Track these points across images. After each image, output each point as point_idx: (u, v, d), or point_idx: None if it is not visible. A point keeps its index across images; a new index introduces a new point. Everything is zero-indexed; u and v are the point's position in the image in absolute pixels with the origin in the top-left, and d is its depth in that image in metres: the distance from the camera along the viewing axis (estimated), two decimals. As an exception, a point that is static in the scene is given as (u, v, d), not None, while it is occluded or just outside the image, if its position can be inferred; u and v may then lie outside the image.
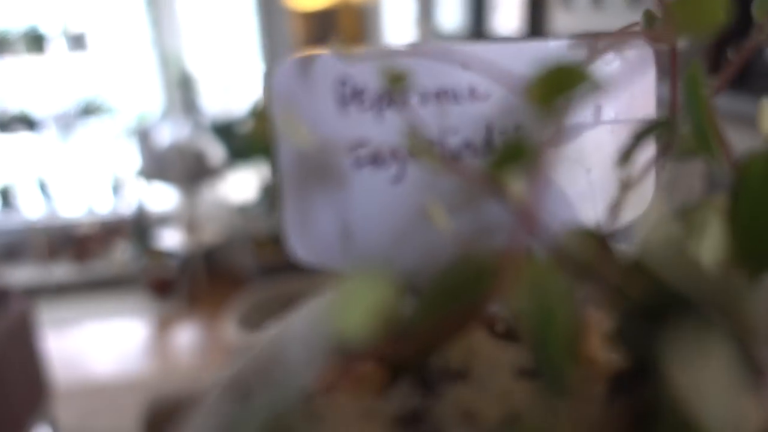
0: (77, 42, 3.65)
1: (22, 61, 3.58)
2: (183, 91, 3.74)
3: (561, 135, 0.19)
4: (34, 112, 3.65)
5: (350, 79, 0.24)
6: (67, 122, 3.72)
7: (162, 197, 3.87)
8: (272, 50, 3.88)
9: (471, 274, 0.23)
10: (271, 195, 3.06)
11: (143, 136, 3.59)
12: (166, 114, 3.80)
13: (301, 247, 0.24)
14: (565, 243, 0.21)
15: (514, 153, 0.18)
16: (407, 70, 0.22)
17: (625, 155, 0.23)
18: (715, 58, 0.76)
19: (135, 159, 3.81)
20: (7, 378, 2.07)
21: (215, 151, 3.53)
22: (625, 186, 0.24)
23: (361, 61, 0.23)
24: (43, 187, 3.79)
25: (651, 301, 0.17)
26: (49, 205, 3.77)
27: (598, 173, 0.25)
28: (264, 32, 3.88)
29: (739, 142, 0.75)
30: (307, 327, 0.25)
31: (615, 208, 0.23)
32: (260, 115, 3.88)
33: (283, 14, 3.87)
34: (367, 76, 0.24)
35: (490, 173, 0.19)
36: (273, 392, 0.24)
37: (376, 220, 0.25)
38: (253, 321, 2.25)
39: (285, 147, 0.23)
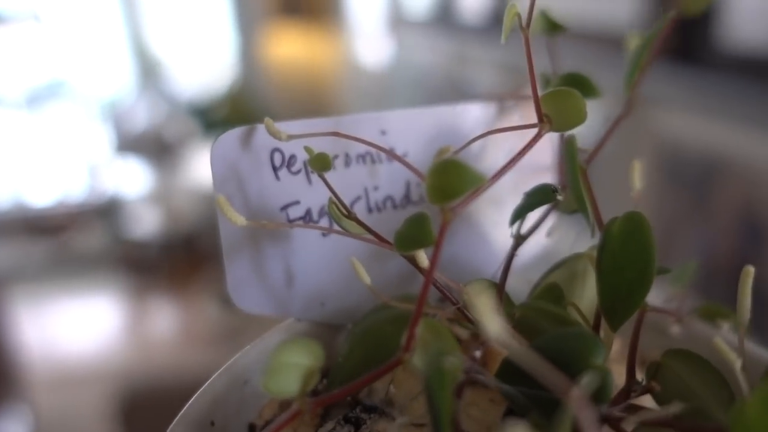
0: (40, 21, 3.57)
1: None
2: (153, 71, 3.70)
3: (459, 210, 0.23)
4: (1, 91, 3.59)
5: (282, 148, 0.28)
6: (34, 102, 3.66)
7: (135, 178, 3.85)
8: (244, 23, 3.84)
9: (389, 324, 0.27)
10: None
11: (115, 117, 3.56)
12: (138, 96, 3.76)
13: (245, 299, 0.28)
14: (464, 297, 0.26)
15: (414, 234, 0.22)
16: (327, 151, 0.26)
17: (517, 213, 0.27)
18: (677, 40, 0.80)
19: (108, 140, 3.77)
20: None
21: (187, 129, 3.52)
22: (518, 240, 0.28)
23: (289, 138, 0.27)
24: (9, 172, 3.74)
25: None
26: (18, 189, 3.74)
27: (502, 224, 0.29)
28: (235, 3, 3.84)
29: (684, 123, 0.79)
30: (252, 366, 0.28)
31: (509, 258, 0.27)
32: (234, 95, 3.86)
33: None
34: (296, 145, 0.27)
35: (396, 246, 0.23)
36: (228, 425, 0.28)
37: (314, 269, 0.29)
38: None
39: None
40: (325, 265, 0.29)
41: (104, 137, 3.79)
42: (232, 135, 0.27)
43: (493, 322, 0.16)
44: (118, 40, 3.73)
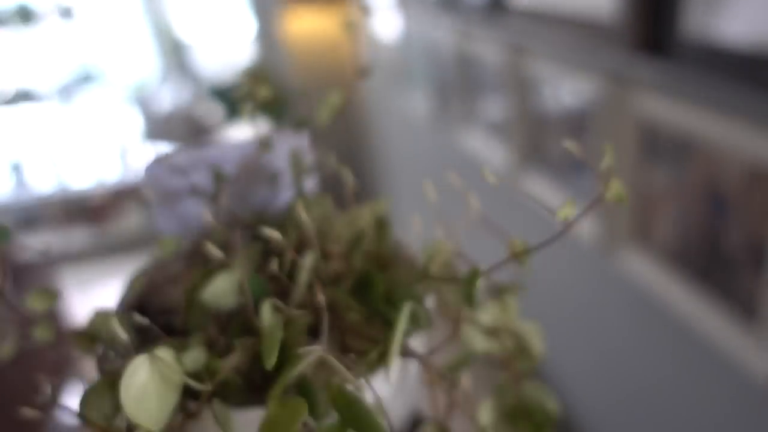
0: (68, 14, 3.68)
1: (15, 36, 3.63)
2: (177, 56, 3.79)
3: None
4: (34, 85, 3.73)
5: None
6: (67, 92, 3.80)
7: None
8: (263, 8, 3.89)
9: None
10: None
11: (144, 102, 3.68)
12: (164, 79, 3.86)
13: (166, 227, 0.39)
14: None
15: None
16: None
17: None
18: (650, 33, 0.84)
19: (137, 125, 3.90)
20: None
21: (214, 111, 3.61)
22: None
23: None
24: (51, 159, 3.91)
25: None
26: (59, 176, 3.90)
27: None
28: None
29: (653, 102, 0.85)
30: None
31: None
32: (253, 74, 3.92)
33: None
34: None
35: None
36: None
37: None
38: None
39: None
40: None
41: (135, 121, 3.91)
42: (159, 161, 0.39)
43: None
44: (141, 26, 3.83)
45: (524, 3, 1.17)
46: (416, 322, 0.32)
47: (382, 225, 0.36)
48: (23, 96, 3.72)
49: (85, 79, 3.82)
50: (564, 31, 1.03)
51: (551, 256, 1.20)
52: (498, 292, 0.39)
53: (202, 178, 0.39)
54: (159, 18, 3.81)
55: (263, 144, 0.40)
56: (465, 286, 0.32)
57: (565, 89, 1.09)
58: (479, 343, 0.36)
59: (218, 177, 0.38)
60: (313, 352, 0.28)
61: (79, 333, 0.34)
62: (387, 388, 0.31)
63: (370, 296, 0.31)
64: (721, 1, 0.72)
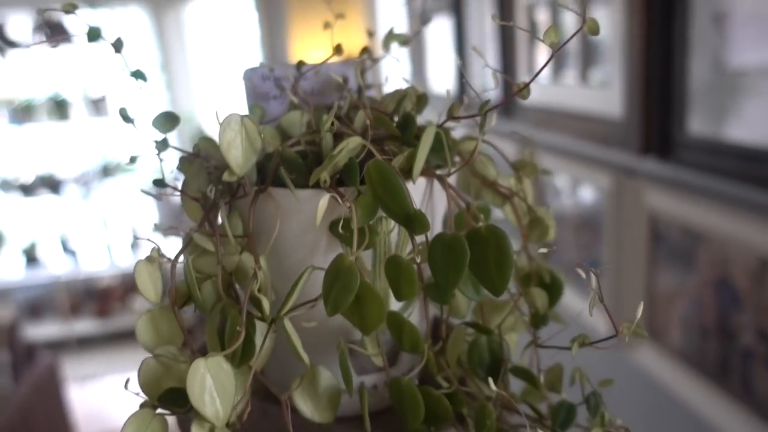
0: (97, 106, 3.86)
1: (46, 127, 3.80)
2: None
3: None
4: (58, 173, 3.86)
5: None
6: (87, 182, 3.91)
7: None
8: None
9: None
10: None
11: (159, 192, 3.77)
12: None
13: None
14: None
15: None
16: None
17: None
18: (655, 139, 0.88)
19: (153, 214, 3.97)
20: (36, 430, 2.19)
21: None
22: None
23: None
24: (65, 245, 3.96)
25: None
26: (72, 261, 3.94)
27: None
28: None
29: (661, 199, 0.86)
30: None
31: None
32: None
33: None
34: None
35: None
36: None
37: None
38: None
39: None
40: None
41: (151, 211, 3.99)
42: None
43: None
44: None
45: (535, 100, 1.22)
46: (439, 148, 0.35)
47: (421, 98, 0.41)
48: (45, 183, 3.83)
49: (108, 170, 3.94)
50: (575, 128, 1.07)
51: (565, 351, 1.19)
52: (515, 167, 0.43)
53: (287, 85, 0.44)
54: (181, 110, 3.98)
55: (352, 64, 0.44)
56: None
57: (576, 186, 1.12)
58: (490, 171, 0.40)
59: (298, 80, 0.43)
60: (355, 140, 0.33)
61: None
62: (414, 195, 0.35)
63: (408, 131, 0.36)
64: (727, 105, 0.76)
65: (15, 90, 3.77)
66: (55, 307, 3.91)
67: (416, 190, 0.35)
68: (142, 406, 0.31)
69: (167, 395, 0.31)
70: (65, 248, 3.98)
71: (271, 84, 0.42)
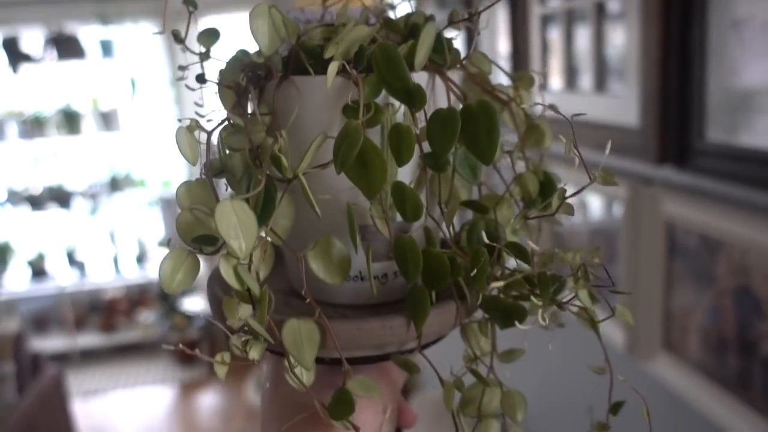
0: (107, 120, 3.89)
1: (55, 140, 3.82)
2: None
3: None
4: (67, 187, 3.87)
5: None
6: (96, 195, 3.93)
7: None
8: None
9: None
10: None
11: (167, 205, 3.78)
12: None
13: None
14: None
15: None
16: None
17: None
18: (672, 147, 0.88)
19: (159, 227, 3.98)
20: (39, 445, 2.17)
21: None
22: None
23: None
24: (71, 257, 3.97)
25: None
26: (78, 274, 3.94)
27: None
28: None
29: (678, 207, 0.85)
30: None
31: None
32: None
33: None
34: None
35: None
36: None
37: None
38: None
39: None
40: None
41: (157, 224, 4.00)
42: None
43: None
44: (172, 134, 4.01)
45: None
46: (440, 49, 0.39)
47: (428, 18, 0.42)
48: (54, 197, 3.85)
49: (116, 184, 3.96)
50: (591, 137, 1.07)
51: (582, 361, 1.17)
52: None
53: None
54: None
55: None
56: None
57: (591, 195, 1.11)
58: (485, 66, 0.43)
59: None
60: (364, 28, 0.37)
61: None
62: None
63: (414, 35, 0.39)
64: (745, 111, 0.75)
65: (25, 103, 3.81)
66: (60, 320, 3.90)
67: (419, 80, 0.39)
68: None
69: (199, 238, 0.36)
70: (71, 261, 3.98)
71: (302, 24, 0.44)
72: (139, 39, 3.86)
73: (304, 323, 0.35)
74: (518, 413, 0.38)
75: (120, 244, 4.11)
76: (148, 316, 3.87)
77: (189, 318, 3.72)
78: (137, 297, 4.04)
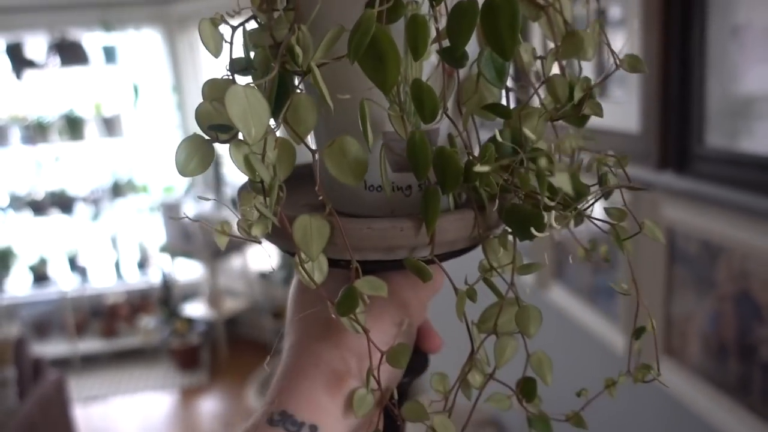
0: (110, 126, 3.90)
1: (58, 146, 3.84)
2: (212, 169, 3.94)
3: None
4: (69, 192, 3.88)
5: None
6: (98, 201, 3.94)
7: (186, 269, 4.03)
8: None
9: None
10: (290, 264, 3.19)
11: (169, 210, 3.79)
12: (191, 189, 3.99)
13: None
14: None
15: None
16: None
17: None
18: (673, 153, 0.88)
19: (161, 233, 3.99)
20: (39, 450, 2.17)
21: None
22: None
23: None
24: (73, 262, 3.97)
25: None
26: (79, 279, 3.95)
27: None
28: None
29: (679, 212, 0.86)
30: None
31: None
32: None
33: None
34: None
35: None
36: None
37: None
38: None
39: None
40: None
41: (159, 230, 4.00)
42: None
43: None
44: (173, 140, 4.02)
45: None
46: None
47: None
48: (56, 202, 3.86)
49: (118, 189, 3.97)
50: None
51: (584, 368, 1.17)
52: None
53: None
54: (191, 131, 4.01)
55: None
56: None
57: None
58: None
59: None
60: None
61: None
62: None
63: None
64: (745, 117, 0.76)
65: (28, 109, 3.82)
66: (61, 325, 3.90)
67: None
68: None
69: (215, 126, 0.36)
70: (73, 266, 3.99)
71: None
72: (142, 45, 3.88)
73: (315, 219, 0.35)
74: (531, 328, 0.37)
75: (122, 249, 4.11)
76: (149, 322, 3.87)
77: (190, 323, 3.72)
78: (138, 302, 4.04)
